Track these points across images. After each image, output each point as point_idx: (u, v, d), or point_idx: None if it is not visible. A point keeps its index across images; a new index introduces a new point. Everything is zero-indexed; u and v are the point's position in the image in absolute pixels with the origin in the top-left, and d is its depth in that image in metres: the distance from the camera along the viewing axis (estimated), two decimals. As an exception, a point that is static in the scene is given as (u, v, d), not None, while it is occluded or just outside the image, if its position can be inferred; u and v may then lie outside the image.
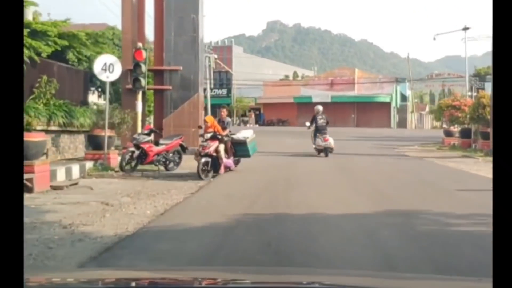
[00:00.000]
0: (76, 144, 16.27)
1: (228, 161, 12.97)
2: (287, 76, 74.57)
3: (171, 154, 13.34)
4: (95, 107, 18.41)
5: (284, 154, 19.80)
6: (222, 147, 12.59)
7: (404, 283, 1.95)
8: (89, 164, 12.93)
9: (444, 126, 79.75)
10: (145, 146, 12.72)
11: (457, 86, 66.47)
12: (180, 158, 13.56)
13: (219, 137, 12.59)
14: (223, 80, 69.46)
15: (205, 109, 61.73)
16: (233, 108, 61.84)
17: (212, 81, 65.86)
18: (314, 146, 18.30)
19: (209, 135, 12.53)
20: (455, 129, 28.32)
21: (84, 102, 17.85)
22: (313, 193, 9.29)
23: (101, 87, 25.29)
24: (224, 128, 13.25)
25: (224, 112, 14.77)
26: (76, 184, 10.66)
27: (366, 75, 64.11)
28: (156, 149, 12.87)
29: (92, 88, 24.81)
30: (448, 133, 28.76)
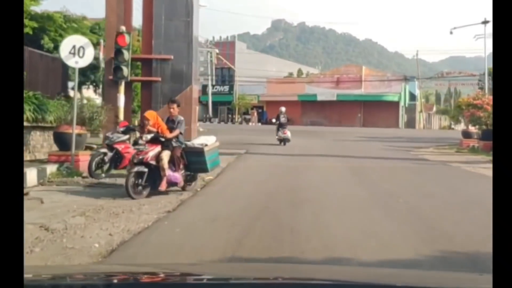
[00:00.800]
0: (51, 143, 14.01)
1: (174, 174, 9.14)
2: (291, 74, 72.18)
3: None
4: (85, 101, 16.16)
5: (288, 155, 17.53)
6: (166, 154, 9.06)
7: (402, 279, 1.91)
8: (52, 168, 10.64)
9: (453, 127, 77.61)
10: (120, 147, 10.45)
11: (467, 85, 64.07)
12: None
13: (163, 140, 9.21)
14: (225, 76, 67.22)
15: (206, 106, 59.98)
16: (235, 106, 59.57)
17: (214, 78, 63.79)
18: (276, 137, 23.61)
19: (148, 137, 9.11)
20: (475, 130, 25.89)
21: (63, 94, 15.61)
22: (330, 219, 6.92)
23: (95, 82, 23.12)
24: (171, 129, 9.48)
25: (174, 108, 9.93)
26: (26, 194, 8.38)
27: (373, 73, 61.72)
28: (133, 150, 10.58)
29: (87, 83, 22.65)
30: (467, 134, 26.33)
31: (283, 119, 24.11)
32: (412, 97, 58.61)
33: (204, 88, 61.14)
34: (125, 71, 13.47)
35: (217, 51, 60.60)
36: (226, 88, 63.49)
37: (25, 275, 1.55)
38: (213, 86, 61.70)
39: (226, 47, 66.99)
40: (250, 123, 56.00)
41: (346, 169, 13.49)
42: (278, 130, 23.75)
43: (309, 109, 59.50)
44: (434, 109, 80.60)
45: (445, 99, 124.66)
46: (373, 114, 57.18)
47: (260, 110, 60.83)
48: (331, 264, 4.45)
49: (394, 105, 56.84)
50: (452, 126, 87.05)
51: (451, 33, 46.25)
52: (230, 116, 62.02)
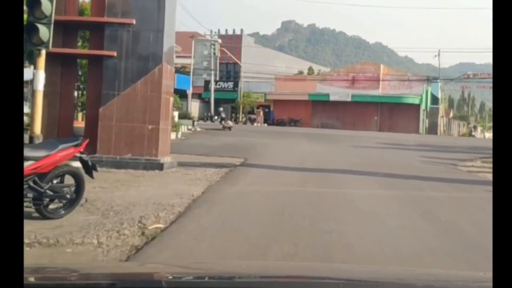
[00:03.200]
0: None
1: None
2: (301, 72, 66.83)
3: (54, 180, 5.88)
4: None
5: (299, 170, 12.35)
6: None
7: (403, 276, 1.89)
8: None
9: (473, 134, 72.27)
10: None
11: (487, 88, 58.57)
12: (79, 187, 6.06)
13: None
14: (230, 72, 61.97)
15: (208, 103, 54.78)
16: (239, 104, 54.36)
17: (217, 73, 58.58)
18: (221, 126, 31.13)
19: None
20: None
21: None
22: None
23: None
24: None
25: None
26: None
27: (392, 72, 56.25)
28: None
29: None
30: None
31: (223, 115, 33.13)
32: (435, 100, 53.10)
33: (207, 84, 56.00)
34: (44, 32, 8.28)
35: (219, 41, 55.27)
36: (231, 84, 58.22)
37: (25, 275, 1.52)
38: (216, 82, 56.52)
39: (232, 40, 61.70)
40: (255, 124, 50.80)
41: (401, 203, 8.21)
42: (221, 122, 32.24)
43: (321, 109, 54.25)
44: (451, 114, 75.12)
45: (458, 104, 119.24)
46: (391, 117, 51.84)
47: (266, 110, 55.63)
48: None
49: (414, 108, 51.45)
50: (473, 133, 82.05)
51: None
52: (234, 115, 56.84)
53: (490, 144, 33.56)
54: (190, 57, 46.81)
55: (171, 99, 11.81)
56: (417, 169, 14.94)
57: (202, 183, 9.03)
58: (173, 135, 26.09)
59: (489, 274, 1.52)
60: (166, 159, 11.15)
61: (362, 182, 10.57)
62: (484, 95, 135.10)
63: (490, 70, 61.49)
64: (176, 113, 30.78)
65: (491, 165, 19.05)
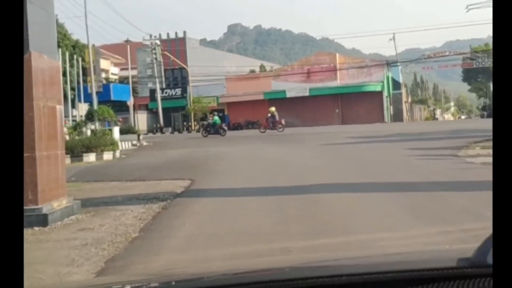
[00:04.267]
0: None
1: None
2: (253, 71, 62.84)
3: None
4: None
5: (274, 193, 8.22)
6: None
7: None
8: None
9: (437, 117, 70.29)
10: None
11: (450, 67, 56.39)
12: None
13: None
14: (177, 78, 57.27)
15: (156, 114, 50.09)
16: (190, 111, 49.88)
17: (163, 80, 53.93)
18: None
19: None
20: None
21: None
22: None
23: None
24: None
25: None
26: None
27: (349, 60, 52.99)
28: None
29: None
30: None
31: None
32: (397, 85, 50.09)
33: (152, 93, 51.35)
34: None
35: (158, 42, 50.58)
36: (179, 91, 53.66)
37: None
38: (162, 90, 51.91)
39: (176, 43, 57.14)
40: (209, 131, 46.48)
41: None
42: None
43: (278, 108, 50.11)
44: (410, 99, 72.80)
45: (412, 88, 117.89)
46: (353, 108, 48.55)
47: (220, 114, 51.38)
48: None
49: (377, 96, 48.34)
50: (436, 116, 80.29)
51: (467, 11, 38.10)
52: (185, 123, 52.32)
53: (466, 126, 30.51)
54: (127, 68, 42.10)
55: (59, 108, 7.47)
56: (422, 169, 11.14)
57: (92, 259, 4.76)
58: (109, 155, 21.60)
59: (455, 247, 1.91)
60: (54, 205, 6.85)
61: (376, 208, 6.51)
62: (433, 78, 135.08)
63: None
64: (116, 129, 26.33)
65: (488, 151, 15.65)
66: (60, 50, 21.39)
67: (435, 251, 2.00)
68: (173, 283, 1.60)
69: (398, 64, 49.79)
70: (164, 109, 49.63)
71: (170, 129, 51.24)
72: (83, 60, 31.34)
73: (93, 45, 33.60)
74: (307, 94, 49.24)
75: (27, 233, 6.06)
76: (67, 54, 28.62)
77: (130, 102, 36.74)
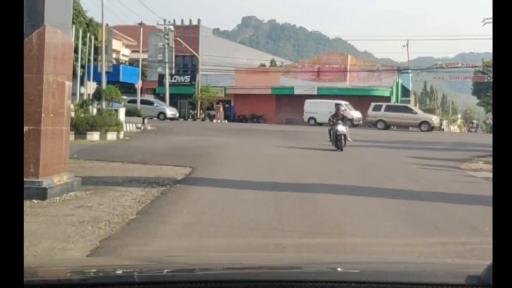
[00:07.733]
0: None
1: None
2: (263, 65, 62.72)
3: None
4: None
5: (273, 188, 8.22)
6: None
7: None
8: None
9: (443, 127, 70.06)
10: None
11: (461, 79, 56.17)
12: None
13: None
14: (187, 65, 57.17)
15: (163, 99, 50.09)
16: (197, 100, 49.87)
17: (173, 66, 53.88)
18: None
19: None
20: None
21: None
22: None
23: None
24: None
25: None
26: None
27: (360, 62, 52.83)
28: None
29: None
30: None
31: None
32: (406, 92, 49.90)
33: (161, 78, 51.33)
34: None
35: (172, 28, 50.56)
36: (188, 78, 53.59)
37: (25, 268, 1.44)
38: (171, 75, 51.87)
39: (189, 31, 57.06)
40: (215, 120, 46.56)
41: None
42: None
43: (285, 104, 50.46)
44: (417, 107, 72.37)
45: (421, 97, 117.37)
46: (360, 111, 48.38)
47: (227, 105, 51.42)
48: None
49: (385, 101, 48.15)
50: (442, 127, 79.97)
51: (483, 25, 37.83)
52: (191, 111, 52.29)
53: (470, 139, 30.39)
54: (139, 50, 42.07)
55: (68, 84, 7.49)
56: (424, 178, 11.11)
57: (88, 236, 4.79)
58: (113, 136, 21.63)
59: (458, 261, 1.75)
60: (54, 180, 6.88)
61: (374, 213, 6.52)
62: (443, 88, 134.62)
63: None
64: (122, 110, 26.33)
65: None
66: (73, 26, 21.38)
67: (440, 264, 1.94)
68: (165, 272, 1.60)
69: (409, 71, 49.54)
70: (171, 95, 49.52)
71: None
72: (95, 38, 31.34)
73: (107, 25, 33.60)
74: (315, 92, 49.08)
75: (25, 205, 6.09)
76: (80, 31, 28.60)
77: (138, 85, 36.69)
